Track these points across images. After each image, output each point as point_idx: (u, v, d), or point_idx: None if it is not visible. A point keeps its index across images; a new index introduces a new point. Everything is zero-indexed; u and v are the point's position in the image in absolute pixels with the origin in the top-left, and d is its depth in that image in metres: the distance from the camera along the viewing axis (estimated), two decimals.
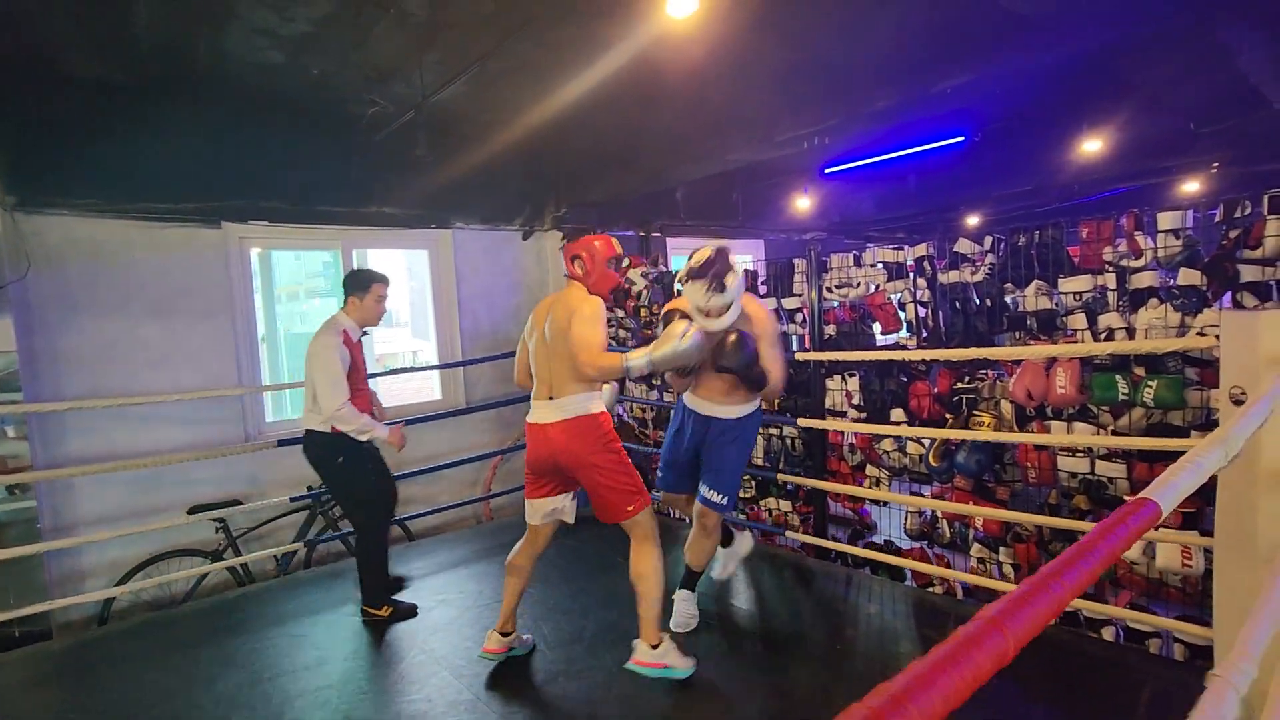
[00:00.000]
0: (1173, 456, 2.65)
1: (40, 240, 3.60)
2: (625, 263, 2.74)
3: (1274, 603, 1.08)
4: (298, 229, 4.47)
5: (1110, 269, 2.77)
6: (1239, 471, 1.91)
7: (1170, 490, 1.02)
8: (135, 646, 3.07)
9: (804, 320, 3.88)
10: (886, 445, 3.57)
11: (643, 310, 4.78)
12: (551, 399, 2.46)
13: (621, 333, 4.97)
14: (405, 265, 8.14)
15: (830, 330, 3.77)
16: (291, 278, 10.32)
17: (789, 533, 3.74)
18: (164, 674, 2.79)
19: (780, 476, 3.81)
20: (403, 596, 3.38)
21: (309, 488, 4.31)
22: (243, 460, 4.13)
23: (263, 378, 4.46)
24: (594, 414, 2.46)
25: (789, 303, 3.98)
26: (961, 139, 4.55)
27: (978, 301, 3.21)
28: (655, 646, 2.47)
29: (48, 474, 3.48)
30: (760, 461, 4.13)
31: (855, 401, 3.64)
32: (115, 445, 3.75)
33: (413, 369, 5.61)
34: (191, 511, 3.85)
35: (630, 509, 2.46)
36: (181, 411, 3.93)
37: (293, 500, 3.98)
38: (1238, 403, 1.88)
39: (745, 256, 6.79)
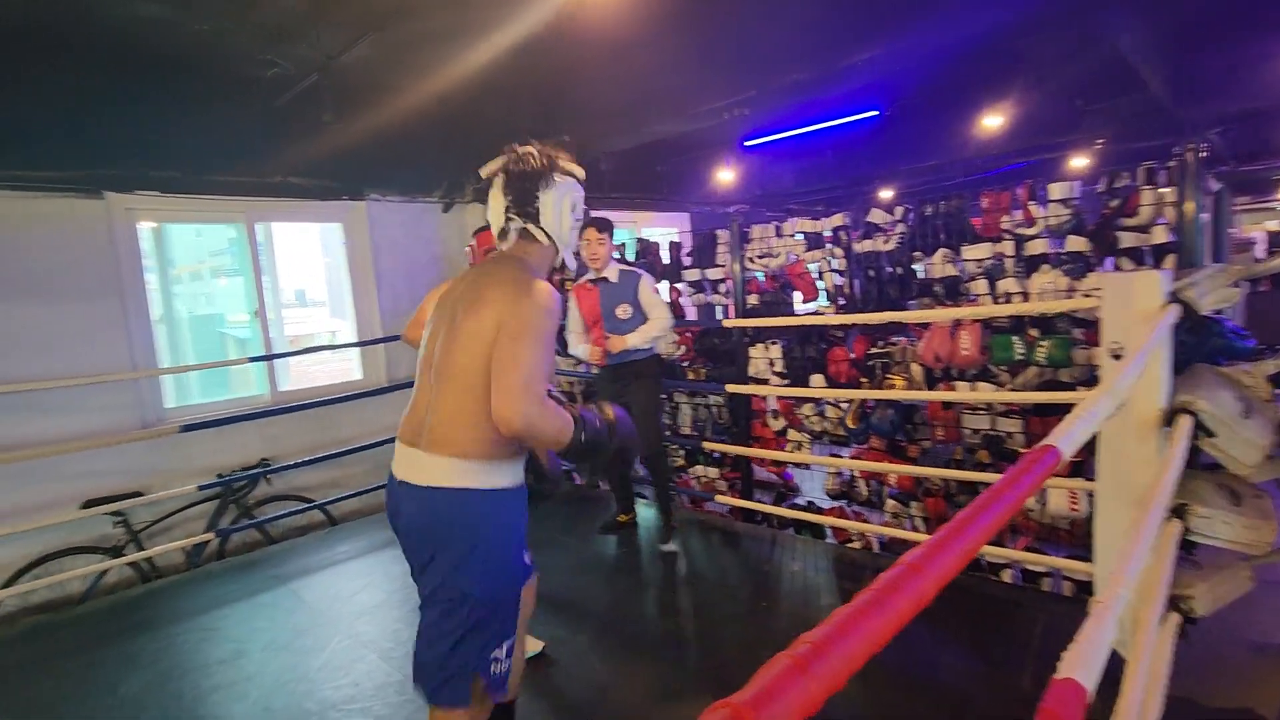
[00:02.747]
0: (1062, 410, 2.89)
1: None
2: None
3: (1145, 539, 1.19)
4: (194, 200, 4.16)
5: (1008, 237, 2.94)
6: (1116, 421, 2.09)
7: (1069, 438, 1.09)
8: (25, 653, 2.85)
9: (728, 290, 3.95)
10: (807, 410, 3.70)
11: (568, 284, 4.72)
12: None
13: None
14: (319, 240, 7.73)
15: (753, 299, 3.85)
16: (193, 256, 9.62)
17: (717, 498, 3.84)
18: (60, 680, 2.60)
19: (707, 444, 3.89)
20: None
21: (218, 475, 4.09)
22: (142, 449, 3.86)
23: (160, 361, 4.16)
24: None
25: (713, 273, 4.03)
26: (875, 113, 4.70)
27: (890, 269, 3.35)
28: None
29: None
30: (688, 431, 4.20)
31: (778, 368, 3.74)
32: None
33: (328, 347, 5.38)
34: (85, 505, 3.58)
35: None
36: (68, 399, 3.62)
37: (201, 489, 3.75)
38: (1116, 357, 2.04)
39: (671, 229, 6.82)
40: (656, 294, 3.34)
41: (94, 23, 2.97)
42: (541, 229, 1.56)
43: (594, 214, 3.33)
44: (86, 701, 2.45)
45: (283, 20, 3.09)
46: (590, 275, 3.35)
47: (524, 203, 1.55)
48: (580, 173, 1.64)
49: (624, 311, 3.30)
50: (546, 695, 2.34)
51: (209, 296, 9.50)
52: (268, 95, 3.77)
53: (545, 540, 3.70)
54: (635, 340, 3.27)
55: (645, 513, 4.07)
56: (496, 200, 1.58)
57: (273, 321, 4.61)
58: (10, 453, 3.28)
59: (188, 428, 3.58)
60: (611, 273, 3.33)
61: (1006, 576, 3.07)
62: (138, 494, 3.73)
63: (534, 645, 2.72)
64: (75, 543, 3.63)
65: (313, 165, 4.36)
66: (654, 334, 3.30)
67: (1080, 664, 0.79)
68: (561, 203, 1.58)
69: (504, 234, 1.59)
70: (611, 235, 3.34)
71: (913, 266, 3.30)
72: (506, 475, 1.49)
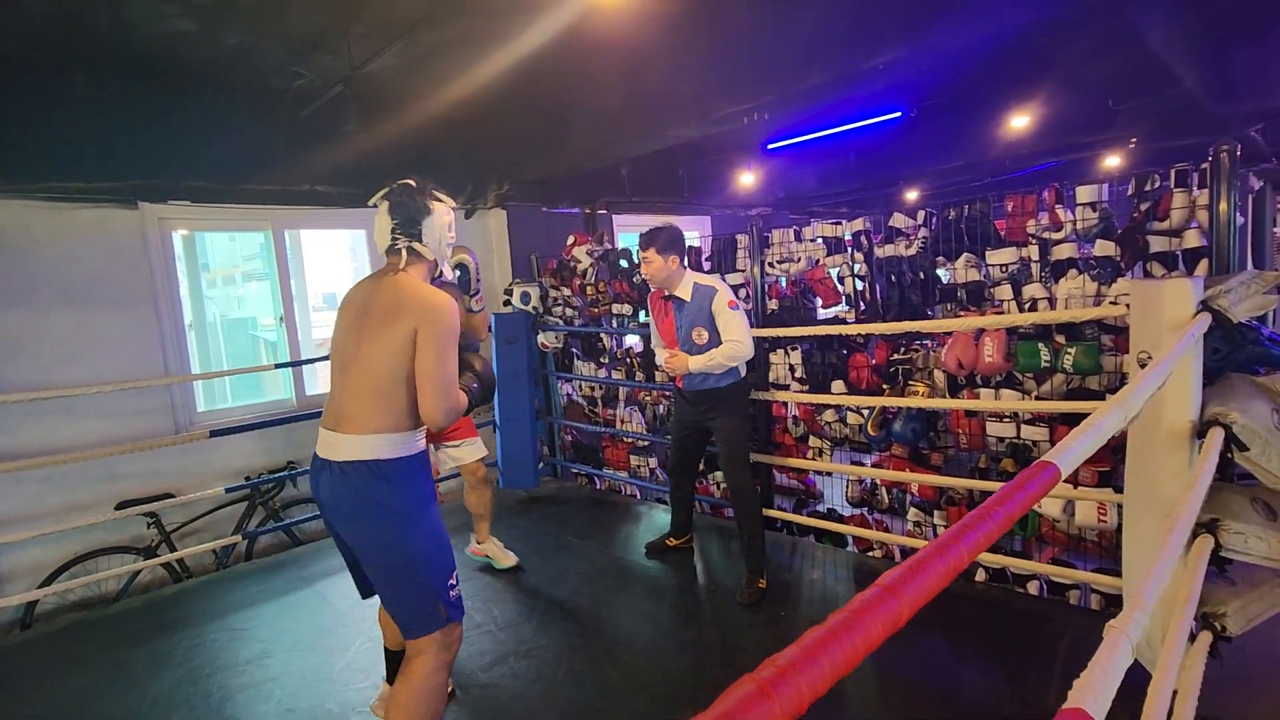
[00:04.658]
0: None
1: None
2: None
3: (1168, 555, 1.15)
4: (223, 209, 4.26)
5: (1033, 241, 2.88)
6: (1144, 431, 2.04)
7: (1070, 454, 1.06)
8: (63, 650, 2.94)
9: (748, 296, 3.93)
10: (828, 416, 3.67)
11: (589, 289, 4.75)
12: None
13: (569, 311, 4.94)
14: (349, 245, 7.87)
15: (773, 305, 3.82)
16: (227, 260, 9.87)
17: None
18: (95, 677, 2.68)
19: None
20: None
21: (246, 477, 4.18)
22: (173, 452, 3.96)
23: (192, 366, 4.27)
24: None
25: (733, 278, 4.01)
26: (899, 114, 4.63)
27: (911, 275, 3.30)
28: None
29: None
30: None
31: (798, 375, 3.71)
32: (30, 442, 3.54)
33: None
34: (119, 507, 3.69)
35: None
36: (103, 404, 3.73)
37: (228, 491, 3.84)
38: (1144, 365, 1.99)
39: (692, 233, 6.81)
40: (732, 310, 2.90)
41: (129, 39, 3.07)
42: (425, 246, 1.88)
43: (650, 228, 3.02)
44: (120, 699, 2.52)
45: (308, 32, 3.15)
46: (665, 291, 3.05)
47: (409, 225, 1.86)
48: (450, 202, 1.99)
49: (700, 336, 2.95)
50: (557, 702, 2.35)
51: (241, 300, 9.73)
52: (293, 106, 3.85)
53: (561, 546, 3.72)
54: (697, 365, 2.91)
55: (663, 519, 4.08)
56: (383, 223, 1.88)
57: (301, 326, 4.70)
58: (48, 457, 3.39)
59: (216, 432, 3.67)
60: (684, 290, 2.97)
61: (1032, 588, 3.00)
62: (169, 495, 3.84)
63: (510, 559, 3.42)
64: (110, 543, 3.74)
65: (337, 174, 4.43)
66: (720, 361, 2.90)
67: (1090, 693, 0.77)
68: (439, 225, 1.92)
69: (392, 250, 1.87)
70: (662, 250, 2.93)
71: (936, 271, 3.24)
72: (407, 445, 1.77)
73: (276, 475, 4.17)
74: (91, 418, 3.72)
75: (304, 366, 4.65)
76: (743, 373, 3.08)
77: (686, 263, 3.08)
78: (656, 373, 3.26)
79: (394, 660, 2.22)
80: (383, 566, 1.77)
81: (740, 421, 3.09)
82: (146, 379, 3.87)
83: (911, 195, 6.73)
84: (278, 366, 4.33)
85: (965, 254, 3.07)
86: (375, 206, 1.91)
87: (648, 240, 2.98)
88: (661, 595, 3.15)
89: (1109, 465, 2.69)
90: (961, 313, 3.09)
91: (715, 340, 2.95)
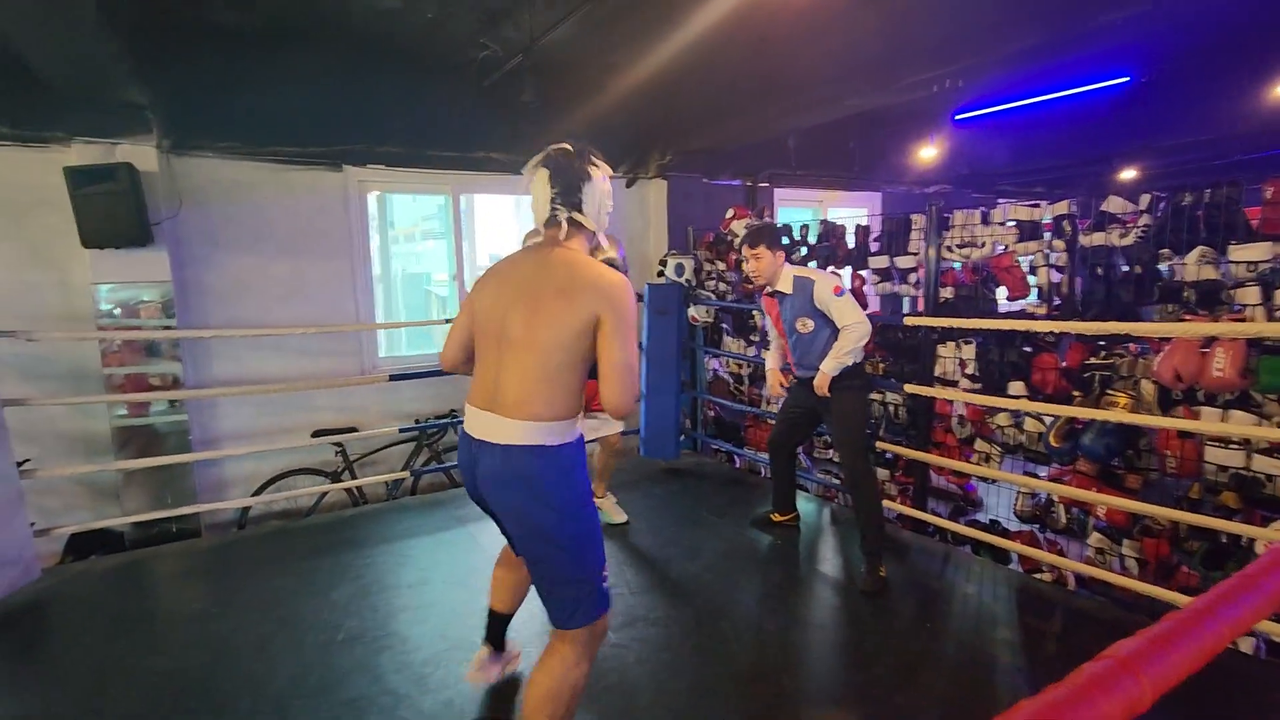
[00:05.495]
0: None
1: (189, 180, 3.94)
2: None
3: None
4: (410, 173, 4.64)
5: None
6: None
7: None
8: (267, 551, 3.43)
9: (918, 281, 3.62)
10: (1001, 420, 3.32)
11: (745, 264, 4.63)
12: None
13: (722, 286, 4.87)
14: (513, 209, 8.31)
15: (947, 293, 3.50)
16: (408, 219, 10.80)
17: (885, 503, 3.58)
18: (288, 578, 3.10)
19: (880, 444, 3.64)
20: None
21: (415, 420, 4.59)
22: (358, 391, 4.45)
23: (377, 316, 4.73)
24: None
25: (903, 261, 3.72)
26: (1126, 79, 3.98)
27: (1125, 268, 2.85)
28: None
29: (197, 393, 3.90)
30: None
31: (969, 371, 3.38)
32: (250, 370, 4.13)
33: None
34: (315, 435, 4.21)
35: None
36: (305, 343, 4.27)
37: (401, 431, 4.25)
38: None
39: (859, 210, 6.41)
40: (839, 295, 2.96)
41: (345, 16, 3.38)
42: (585, 216, 1.75)
43: (751, 226, 3.16)
44: (308, 600, 2.89)
45: (495, 4, 3.29)
46: (769, 288, 3.16)
47: (569, 194, 1.73)
48: (609, 168, 1.85)
49: (804, 325, 3.05)
50: (683, 675, 2.35)
51: (419, 256, 10.62)
52: (476, 77, 4.07)
53: (696, 520, 3.71)
54: (831, 369, 2.98)
55: (805, 508, 3.94)
56: (542, 191, 1.76)
57: (470, 283, 5.04)
58: (263, 385, 3.94)
59: (395, 377, 4.06)
60: (785, 283, 3.09)
61: (1245, 646, 2.55)
62: (353, 429, 4.32)
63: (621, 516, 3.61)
64: (306, 465, 4.30)
65: (510, 142, 4.65)
66: (850, 347, 2.94)
67: None
68: (600, 193, 1.78)
69: (551, 221, 1.76)
70: (771, 246, 3.05)
71: (1156, 266, 2.77)
72: (570, 431, 1.70)
73: (441, 421, 4.55)
74: (296, 354, 4.26)
75: None
76: (855, 358, 3.04)
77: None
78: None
79: (496, 621, 2.26)
80: (547, 552, 1.69)
81: (854, 404, 3.09)
82: (342, 324, 4.36)
83: (1128, 175, 5.82)
84: (448, 321, 4.68)
85: (1200, 248, 2.59)
86: (530, 175, 1.79)
87: (756, 238, 3.07)
88: (797, 584, 3.06)
89: None
90: (1187, 316, 2.63)
91: (820, 327, 3.03)
